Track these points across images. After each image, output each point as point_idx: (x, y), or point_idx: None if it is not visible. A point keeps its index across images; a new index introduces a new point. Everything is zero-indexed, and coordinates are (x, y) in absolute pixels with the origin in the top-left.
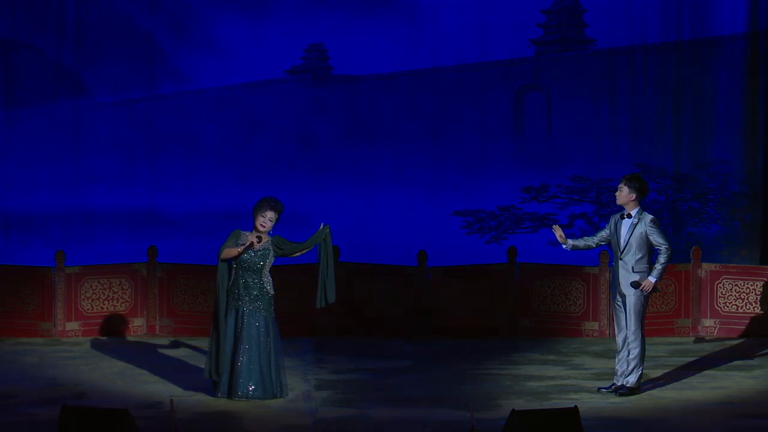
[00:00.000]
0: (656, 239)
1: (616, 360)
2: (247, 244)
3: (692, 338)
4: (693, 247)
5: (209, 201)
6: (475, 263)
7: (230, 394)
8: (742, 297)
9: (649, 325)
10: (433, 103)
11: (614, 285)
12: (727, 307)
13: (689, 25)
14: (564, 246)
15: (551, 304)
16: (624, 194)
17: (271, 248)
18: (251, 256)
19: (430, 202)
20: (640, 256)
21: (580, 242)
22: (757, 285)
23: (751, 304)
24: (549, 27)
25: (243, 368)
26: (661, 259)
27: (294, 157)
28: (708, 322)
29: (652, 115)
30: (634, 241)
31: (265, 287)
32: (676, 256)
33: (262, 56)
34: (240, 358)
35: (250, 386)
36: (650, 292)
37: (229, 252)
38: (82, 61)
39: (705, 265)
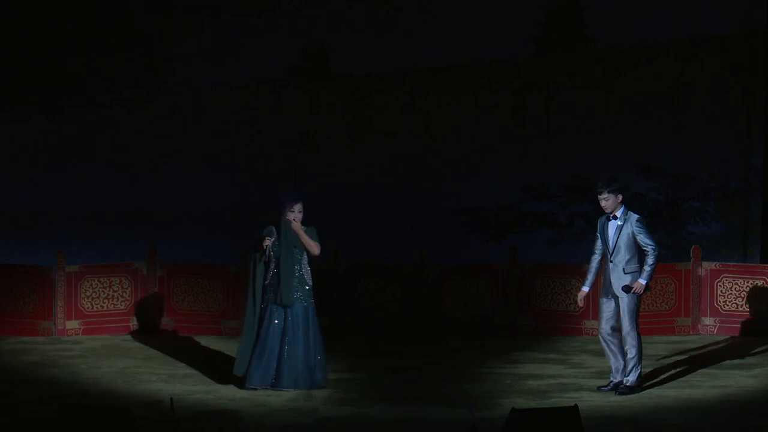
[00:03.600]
0: (643, 239)
1: (606, 357)
2: (265, 249)
3: (692, 337)
4: (693, 246)
5: (209, 200)
6: (475, 262)
7: (277, 383)
8: (742, 296)
9: (649, 323)
10: (432, 103)
11: (606, 285)
12: (727, 305)
13: (689, 25)
14: (589, 288)
15: (551, 302)
16: (611, 202)
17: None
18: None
19: (430, 201)
20: (629, 257)
21: (592, 270)
22: (757, 283)
23: (752, 303)
24: (549, 26)
25: (289, 358)
26: (649, 260)
27: (294, 156)
28: (708, 321)
29: (652, 115)
30: (622, 242)
31: (304, 277)
32: (677, 255)
33: (261, 55)
34: (286, 349)
35: (296, 376)
36: (643, 292)
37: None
38: (81, 62)
39: (705, 264)
